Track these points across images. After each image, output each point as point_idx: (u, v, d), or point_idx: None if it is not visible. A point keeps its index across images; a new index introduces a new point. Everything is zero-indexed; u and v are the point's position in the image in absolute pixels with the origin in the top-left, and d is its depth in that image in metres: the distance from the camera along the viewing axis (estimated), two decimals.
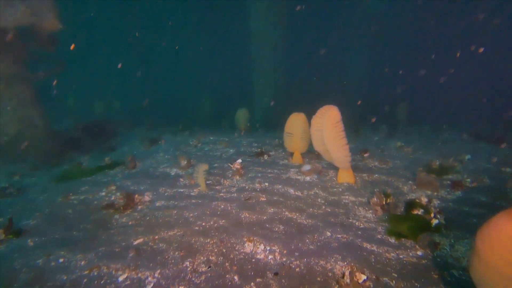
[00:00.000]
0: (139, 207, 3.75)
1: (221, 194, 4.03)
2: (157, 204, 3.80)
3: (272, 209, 3.54)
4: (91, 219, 3.43)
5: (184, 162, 5.30)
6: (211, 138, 7.86)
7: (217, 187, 4.37)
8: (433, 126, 10.45)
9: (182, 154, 6.37)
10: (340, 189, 4.23)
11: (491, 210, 3.52)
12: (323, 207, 3.68)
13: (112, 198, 3.98)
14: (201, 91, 15.82)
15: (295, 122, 5.26)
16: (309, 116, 4.51)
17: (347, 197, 3.97)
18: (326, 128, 4.07)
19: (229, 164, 5.14)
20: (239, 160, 5.10)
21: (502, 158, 5.66)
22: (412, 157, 5.95)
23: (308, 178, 4.67)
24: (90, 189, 4.35)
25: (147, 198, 3.94)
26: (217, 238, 2.88)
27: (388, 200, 3.55)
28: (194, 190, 4.24)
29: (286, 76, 13.75)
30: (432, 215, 3.30)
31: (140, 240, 2.90)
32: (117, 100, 14.74)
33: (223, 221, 3.24)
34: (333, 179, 4.61)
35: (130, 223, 3.31)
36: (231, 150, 6.54)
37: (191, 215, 3.40)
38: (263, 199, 3.86)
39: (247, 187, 4.28)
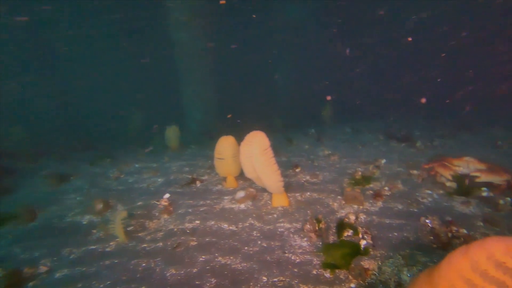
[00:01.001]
0: (31, 284, 2.89)
1: (144, 245, 3.43)
2: (57, 275, 2.99)
3: (204, 257, 3.13)
4: None
5: (99, 206, 4.45)
6: (137, 165, 6.97)
7: (140, 234, 3.74)
8: (353, 127, 11.43)
9: (99, 192, 5.43)
10: (275, 215, 4.08)
11: (407, 219, 3.80)
12: (259, 242, 3.44)
13: None
14: (126, 108, 14.21)
15: (224, 146, 4.96)
16: (243, 133, 4.15)
17: (282, 224, 3.83)
18: (256, 156, 3.87)
19: (155, 202, 4.52)
20: (167, 195, 4.54)
21: (408, 158, 6.44)
22: (338, 166, 6.27)
23: (242, 206, 4.40)
24: None
25: (43, 269, 3.08)
26: None
27: (320, 225, 3.52)
28: (111, 243, 3.53)
29: (216, 86, 13.46)
30: (360, 235, 3.38)
31: None
32: (17, 125, 12.14)
33: None
34: (267, 203, 4.44)
35: None
36: (159, 180, 5.86)
37: (101, 286, 2.75)
38: (193, 243, 3.42)
39: (175, 229, 3.77)
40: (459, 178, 4.66)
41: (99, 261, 3.17)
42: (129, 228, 3.86)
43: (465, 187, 4.53)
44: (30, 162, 8.49)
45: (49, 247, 3.53)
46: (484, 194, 4.52)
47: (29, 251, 3.46)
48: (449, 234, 3.31)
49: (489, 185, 4.53)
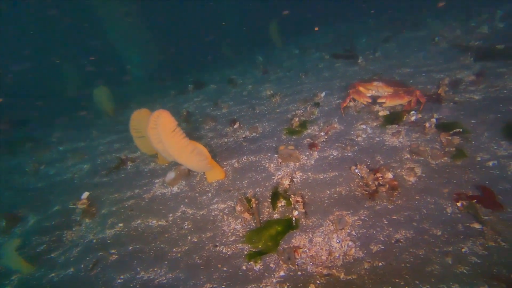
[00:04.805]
0: None
1: (53, 274, 2.71)
2: None
3: (122, 276, 2.53)
4: None
5: (1, 223, 3.45)
6: (61, 148, 5.62)
7: (53, 254, 2.97)
8: (302, 45, 10.25)
9: (13, 195, 4.30)
10: (210, 194, 3.44)
11: (341, 168, 3.35)
12: (189, 237, 2.88)
13: None
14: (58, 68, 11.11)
15: (139, 121, 3.84)
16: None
17: (216, 206, 3.24)
18: (165, 141, 2.92)
19: (73, 205, 3.59)
20: (85, 194, 3.60)
21: (349, 81, 5.76)
22: (279, 111, 5.49)
23: (175, 189, 3.68)
24: None
25: None
26: None
27: (252, 204, 2.97)
28: (12, 278, 2.76)
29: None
30: (292, 205, 2.92)
31: None
32: None
33: None
34: (203, 179, 3.75)
35: None
36: (85, 166, 4.75)
37: None
38: (113, 258, 2.76)
39: (95, 240, 3.04)
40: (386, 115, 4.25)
41: None
42: (40, 248, 3.05)
43: (394, 115, 4.14)
44: None
45: None
46: (413, 118, 4.16)
47: None
48: (376, 182, 2.98)
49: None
